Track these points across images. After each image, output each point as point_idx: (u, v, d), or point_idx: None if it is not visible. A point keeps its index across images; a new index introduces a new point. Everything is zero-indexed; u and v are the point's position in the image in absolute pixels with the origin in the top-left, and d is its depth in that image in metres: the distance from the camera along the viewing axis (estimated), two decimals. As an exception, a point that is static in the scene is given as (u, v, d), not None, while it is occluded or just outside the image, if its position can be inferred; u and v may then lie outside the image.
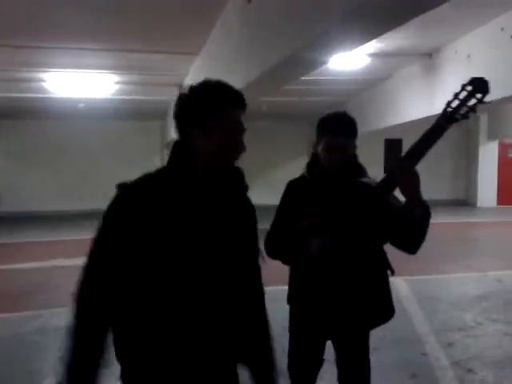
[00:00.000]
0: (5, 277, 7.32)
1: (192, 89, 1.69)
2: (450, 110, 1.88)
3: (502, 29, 6.19)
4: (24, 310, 5.60)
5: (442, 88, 7.90)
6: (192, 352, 1.62)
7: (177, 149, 1.69)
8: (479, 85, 1.87)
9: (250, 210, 1.79)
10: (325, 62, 4.31)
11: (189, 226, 1.58)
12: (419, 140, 1.92)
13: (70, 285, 6.41)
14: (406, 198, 2.01)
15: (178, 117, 1.69)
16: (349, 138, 2.24)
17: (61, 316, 5.27)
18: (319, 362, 2.48)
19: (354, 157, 2.32)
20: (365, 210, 2.02)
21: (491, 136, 15.54)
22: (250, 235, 1.76)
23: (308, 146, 14.43)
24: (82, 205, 14.72)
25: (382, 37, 4.58)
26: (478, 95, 1.86)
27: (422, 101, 8.65)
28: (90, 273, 1.67)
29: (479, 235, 11.29)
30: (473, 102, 1.86)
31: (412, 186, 1.97)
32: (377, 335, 4.56)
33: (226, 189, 1.69)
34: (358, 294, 2.26)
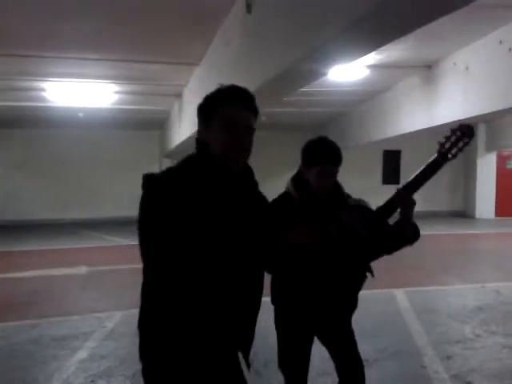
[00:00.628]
0: (2, 285, 7.29)
1: None
2: (443, 150, 2.19)
3: (501, 42, 6.24)
4: (21, 319, 5.57)
5: (441, 100, 7.95)
6: (230, 321, 1.73)
7: (197, 143, 1.84)
8: (466, 130, 2.18)
9: (264, 200, 1.97)
10: (324, 74, 4.33)
11: (220, 210, 1.67)
12: (418, 174, 2.22)
13: (67, 294, 6.43)
14: (401, 218, 2.33)
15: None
16: (339, 165, 2.44)
17: (58, 326, 5.27)
18: (308, 355, 2.63)
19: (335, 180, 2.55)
20: (365, 229, 2.26)
21: (489, 148, 15.59)
22: (265, 221, 1.89)
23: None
24: (82, 213, 14.74)
25: (381, 49, 4.62)
26: (466, 139, 2.18)
27: (420, 112, 8.70)
28: (161, 258, 1.66)
29: (478, 247, 11.28)
30: (461, 144, 2.18)
31: (408, 210, 2.30)
32: (377, 347, 4.57)
33: (244, 181, 1.83)
34: (340, 292, 2.48)
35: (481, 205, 15.76)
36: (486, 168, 15.78)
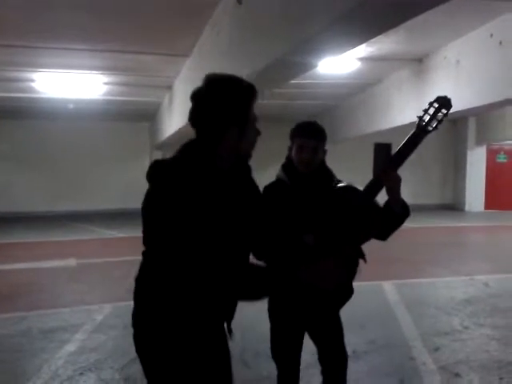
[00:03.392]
0: (-10, 278, 7.25)
1: None
2: (422, 123, 2.21)
3: (491, 35, 6.24)
4: (10, 311, 5.53)
5: (432, 93, 7.93)
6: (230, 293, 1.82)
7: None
8: (444, 102, 2.23)
9: (256, 186, 2.04)
10: (314, 66, 4.32)
11: (232, 199, 1.77)
12: (400, 148, 2.24)
13: (57, 286, 6.41)
14: (389, 196, 2.34)
15: None
16: (319, 141, 2.53)
17: (47, 318, 5.25)
18: (300, 345, 2.70)
19: (323, 161, 2.61)
20: (356, 211, 2.28)
21: (479, 141, 15.68)
22: (257, 206, 2.00)
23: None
24: (72, 206, 14.66)
25: (371, 41, 4.62)
26: (444, 110, 2.22)
27: (411, 105, 8.70)
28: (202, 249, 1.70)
29: (467, 239, 11.37)
30: (440, 116, 2.21)
31: (395, 186, 2.29)
32: (365, 339, 4.59)
33: (241, 170, 1.92)
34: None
35: (470, 198, 15.86)
36: (476, 161, 15.88)
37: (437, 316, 5.32)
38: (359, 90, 10.76)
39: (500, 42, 6.10)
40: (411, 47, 7.39)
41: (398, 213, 2.35)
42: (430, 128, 2.21)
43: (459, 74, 7.11)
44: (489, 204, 15.86)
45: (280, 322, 2.66)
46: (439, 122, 2.22)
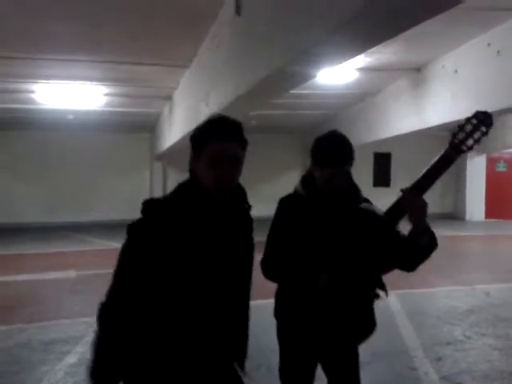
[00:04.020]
0: (-10, 290, 7.22)
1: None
2: (456, 141, 1.94)
3: (489, 44, 6.27)
4: (10, 323, 5.51)
5: (430, 103, 7.99)
6: (205, 353, 1.80)
7: (190, 172, 1.88)
8: (483, 118, 1.92)
9: (250, 225, 1.99)
10: (313, 76, 4.33)
11: (208, 243, 1.77)
12: (427, 170, 1.99)
13: (57, 298, 6.38)
14: (412, 225, 2.05)
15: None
16: (350, 164, 2.24)
17: (47, 330, 5.22)
18: (312, 376, 2.44)
19: (350, 179, 2.34)
20: (373, 238, 2.06)
21: (479, 150, 15.68)
22: (249, 248, 1.98)
23: (301, 158, 14.46)
24: (71, 217, 14.64)
25: (370, 51, 4.64)
26: (483, 128, 1.92)
27: (410, 115, 8.74)
28: (120, 284, 1.77)
29: (468, 249, 11.34)
30: (477, 134, 1.93)
31: (420, 214, 2.01)
32: (366, 349, 4.55)
33: (232, 206, 1.88)
34: (348, 312, 2.25)
35: (471, 207, 15.85)
36: (476, 170, 15.88)
37: (438, 326, 5.30)
38: (358, 99, 10.79)
39: (498, 52, 6.12)
40: (409, 57, 7.43)
41: (422, 245, 2.05)
42: (465, 148, 1.94)
43: (457, 83, 7.14)
44: (489, 213, 15.85)
45: (292, 349, 2.39)
46: (476, 141, 1.93)
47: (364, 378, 3.96)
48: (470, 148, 1.93)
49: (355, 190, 2.34)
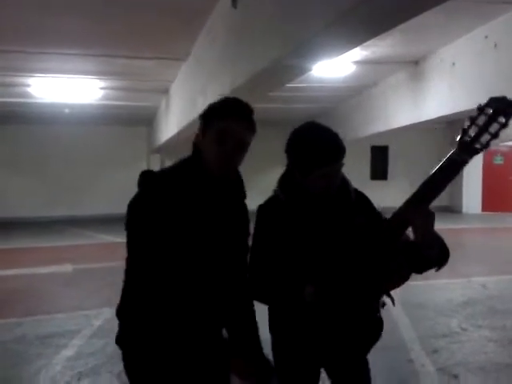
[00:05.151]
0: (-13, 284, 7.22)
1: None
2: (467, 139, 1.57)
3: (486, 37, 6.26)
4: (5, 317, 5.51)
5: (428, 96, 7.98)
6: (195, 318, 1.85)
7: (193, 147, 1.90)
8: (501, 106, 1.52)
9: (245, 212, 2.03)
10: (310, 69, 4.32)
11: (202, 215, 1.80)
12: (432, 176, 1.65)
13: (54, 292, 6.37)
14: (416, 236, 1.74)
15: None
16: (342, 159, 1.91)
17: (44, 324, 5.22)
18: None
19: (343, 178, 2.05)
20: (370, 245, 1.76)
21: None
22: (243, 231, 2.02)
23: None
24: (68, 211, 14.61)
25: (367, 44, 4.62)
26: (501, 119, 1.53)
27: (407, 108, 8.73)
28: (143, 255, 1.81)
29: (464, 241, 11.37)
30: (494, 127, 1.54)
31: (426, 225, 1.71)
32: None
33: (229, 190, 1.92)
34: (347, 323, 1.99)
35: (467, 200, 15.88)
36: (473, 163, 15.62)
37: (435, 318, 5.32)
38: (355, 92, 10.77)
39: (495, 45, 6.11)
40: (407, 50, 7.40)
41: (430, 257, 1.79)
42: (479, 146, 1.57)
43: (455, 76, 7.13)
44: (486, 206, 15.89)
45: (289, 367, 2.11)
46: (493, 136, 1.55)
47: (361, 370, 3.96)
48: (486, 146, 1.57)
49: (345, 184, 2.03)
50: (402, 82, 8.88)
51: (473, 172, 15.85)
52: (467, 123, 1.57)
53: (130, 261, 1.86)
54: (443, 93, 7.45)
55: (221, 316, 1.97)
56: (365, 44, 3.61)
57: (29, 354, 4.40)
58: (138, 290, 1.83)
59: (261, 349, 2.05)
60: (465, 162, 1.59)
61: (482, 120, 1.54)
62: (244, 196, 2.00)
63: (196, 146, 1.87)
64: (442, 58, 7.45)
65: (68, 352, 4.43)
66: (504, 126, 1.54)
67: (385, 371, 4.03)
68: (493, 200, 15.93)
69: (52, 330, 5.01)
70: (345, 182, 2.03)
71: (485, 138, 1.55)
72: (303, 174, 1.91)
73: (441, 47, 7.40)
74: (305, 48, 3.37)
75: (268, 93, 5.72)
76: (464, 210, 15.85)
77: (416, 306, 5.70)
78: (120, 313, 1.88)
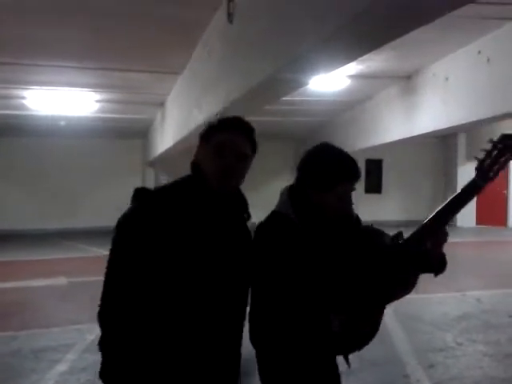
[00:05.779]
0: (-20, 297, 7.16)
1: None
2: (483, 168, 1.84)
3: (479, 52, 6.33)
4: (1, 330, 5.47)
5: (421, 110, 8.04)
6: (195, 356, 1.71)
7: (191, 166, 1.85)
8: (509, 143, 1.81)
9: (248, 235, 1.90)
10: (305, 83, 4.35)
11: (200, 238, 1.69)
12: (453, 199, 1.91)
13: (47, 305, 6.31)
14: (432, 251, 1.97)
15: None
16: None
17: (37, 338, 5.18)
18: None
19: None
20: (382, 261, 1.86)
21: (470, 157, 15.78)
22: (245, 257, 1.85)
23: (294, 166, 14.47)
24: (62, 224, 14.55)
25: (361, 59, 4.67)
26: (508, 154, 1.82)
27: (401, 122, 8.79)
28: (114, 282, 1.72)
29: (459, 255, 11.36)
30: (502, 160, 1.82)
31: (441, 243, 1.96)
32: (359, 355, 4.54)
33: (231, 211, 1.83)
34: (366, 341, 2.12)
35: (462, 213, 15.69)
36: (467, 177, 15.71)
37: (430, 332, 5.31)
38: (349, 106, 10.84)
39: (488, 59, 6.18)
40: (400, 64, 7.47)
41: (434, 267, 2.03)
42: (492, 174, 1.83)
43: (448, 90, 7.19)
44: (480, 219, 15.93)
45: None
46: (501, 166, 1.82)
47: (356, 384, 3.95)
48: (496, 174, 1.83)
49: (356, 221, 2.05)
50: (395, 96, 8.96)
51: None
52: (483, 155, 1.85)
53: (106, 280, 1.73)
54: (436, 107, 7.51)
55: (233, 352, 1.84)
56: (360, 58, 3.65)
57: (23, 368, 4.36)
58: (117, 318, 1.69)
59: None
60: (482, 188, 1.85)
61: (494, 153, 1.82)
62: (248, 217, 1.90)
63: (195, 165, 1.81)
64: (435, 72, 7.52)
65: (61, 367, 4.39)
66: (510, 159, 1.82)
67: (380, 386, 4.02)
68: (487, 213, 15.98)
69: (46, 344, 4.97)
70: None
71: (496, 167, 1.82)
72: (325, 189, 1.86)
73: (434, 62, 7.47)
74: (300, 62, 3.40)
75: (263, 106, 5.76)
76: (459, 223, 15.88)
77: (411, 320, 5.69)
78: (101, 344, 1.74)
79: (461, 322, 5.61)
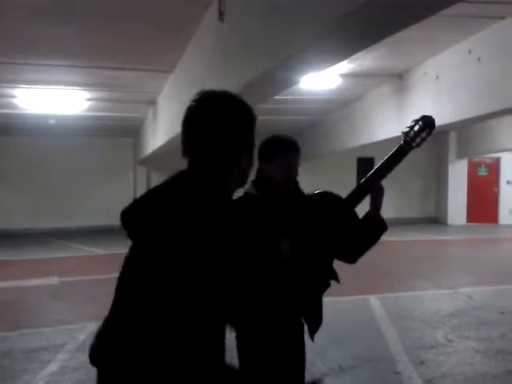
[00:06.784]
0: (-30, 297, 7.11)
1: None
2: (407, 138, 2.24)
3: (470, 51, 6.36)
4: (-10, 331, 5.43)
5: (412, 108, 8.06)
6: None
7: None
8: (428, 122, 2.25)
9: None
10: (297, 82, 4.35)
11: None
12: (385, 161, 2.24)
13: (39, 305, 6.27)
14: (372, 206, 2.32)
15: None
16: (300, 155, 2.41)
17: (28, 338, 5.15)
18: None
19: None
20: (338, 216, 2.17)
21: (460, 155, 15.88)
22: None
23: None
24: (54, 223, 14.48)
25: (353, 58, 4.68)
26: (427, 129, 2.24)
27: (392, 120, 8.81)
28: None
29: (450, 252, 11.46)
30: (424, 134, 2.24)
31: (380, 196, 2.28)
32: (351, 353, 4.58)
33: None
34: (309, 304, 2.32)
35: (452, 211, 16.02)
36: (458, 175, 16.07)
37: (422, 329, 5.34)
38: (341, 105, 10.86)
39: (478, 58, 6.21)
40: (391, 63, 7.50)
41: (377, 223, 2.33)
42: (414, 144, 2.24)
43: (439, 89, 7.23)
44: (471, 217, 16.03)
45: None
46: (422, 139, 2.25)
47: (347, 382, 3.99)
48: (418, 145, 2.25)
49: (301, 190, 2.43)
50: (386, 94, 8.98)
51: (457, 183, 16.01)
52: (407, 129, 2.25)
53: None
54: (427, 105, 7.53)
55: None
56: (351, 57, 3.65)
57: (14, 369, 4.33)
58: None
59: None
60: (406, 153, 2.22)
61: (416, 128, 2.24)
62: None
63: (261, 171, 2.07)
64: (426, 71, 7.55)
65: (53, 367, 4.36)
66: (428, 134, 2.24)
67: (372, 383, 4.03)
68: (477, 211, 16.09)
69: (38, 344, 4.94)
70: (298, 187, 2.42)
71: (418, 140, 2.23)
72: (268, 160, 2.33)
73: (425, 61, 7.50)
74: (292, 61, 3.40)
75: (255, 105, 5.74)
76: (449, 221, 15.97)
77: (403, 318, 5.71)
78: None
79: (452, 319, 5.64)
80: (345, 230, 2.16)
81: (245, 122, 1.58)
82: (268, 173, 2.34)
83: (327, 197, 2.24)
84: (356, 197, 2.21)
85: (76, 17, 5.23)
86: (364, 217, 2.29)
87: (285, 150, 2.36)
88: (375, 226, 2.33)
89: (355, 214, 2.23)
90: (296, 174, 2.38)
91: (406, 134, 2.24)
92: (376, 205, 2.30)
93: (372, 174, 2.24)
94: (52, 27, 5.49)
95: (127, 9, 5.03)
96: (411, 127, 2.25)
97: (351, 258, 2.38)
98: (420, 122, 2.25)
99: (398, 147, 2.24)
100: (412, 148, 2.23)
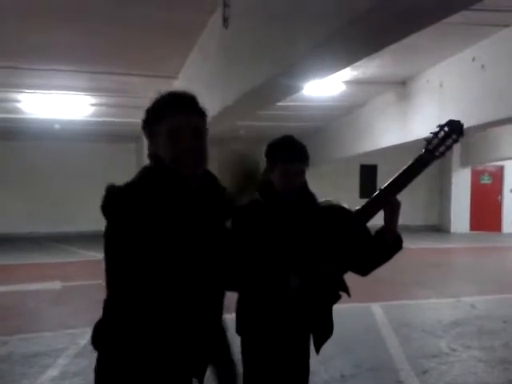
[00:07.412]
0: (-29, 301, 7.10)
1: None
2: (430, 147, 2.02)
3: (474, 58, 6.36)
4: (-9, 336, 5.42)
5: (415, 116, 8.07)
6: (187, 339, 1.72)
7: (150, 158, 1.83)
8: (455, 127, 2.03)
9: (228, 206, 1.88)
10: (300, 88, 4.36)
11: (185, 220, 1.65)
12: (402, 172, 2.05)
13: (40, 310, 6.27)
14: (385, 223, 2.11)
15: None
16: (305, 163, 2.27)
17: (29, 343, 5.13)
18: None
19: (305, 183, 2.33)
20: (342, 233, 2.06)
21: (464, 163, 15.85)
22: (225, 231, 1.87)
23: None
24: (57, 227, 14.49)
25: (356, 65, 4.68)
26: (454, 136, 2.03)
27: (395, 128, 8.81)
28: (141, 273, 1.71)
29: (453, 261, 11.41)
30: (449, 141, 2.03)
31: (394, 212, 2.08)
32: (353, 362, 4.55)
33: (206, 190, 1.78)
34: (314, 314, 2.21)
35: (456, 219, 15.97)
36: (461, 183, 16.04)
37: (424, 338, 5.30)
38: (345, 112, 10.86)
39: (482, 66, 6.21)
40: (395, 70, 7.50)
41: (389, 243, 2.12)
42: (438, 153, 2.03)
43: (442, 96, 7.22)
44: (474, 225, 15.98)
45: (259, 368, 2.26)
46: (447, 147, 2.03)
47: (350, 391, 3.93)
48: (442, 154, 2.03)
49: (307, 189, 2.32)
50: (390, 102, 8.98)
51: (461, 192, 15.97)
52: (430, 136, 2.04)
53: (111, 278, 1.80)
54: (430, 113, 7.53)
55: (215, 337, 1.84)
56: (354, 64, 3.66)
57: (14, 374, 4.31)
58: (120, 313, 1.75)
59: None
60: (429, 163, 2.02)
61: (441, 135, 2.02)
62: (223, 190, 1.84)
63: (153, 155, 1.78)
64: (429, 78, 7.55)
65: (53, 372, 4.34)
66: (455, 141, 2.03)
67: (374, 392, 4.00)
68: (481, 219, 16.04)
69: (38, 349, 4.92)
70: (309, 192, 2.33)
71: (442, 148, 2.02)
72: (271, 168, 2.27)
73: (428, 68, 7.50)
74: (295, 68, 3.41)
75: (258, 111, 5.76)
76: (452, 229, 15.92)
77: (405, 326, 5.68)
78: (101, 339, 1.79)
79: (455, 328, 5.60)
80: (353, 246, 2.06)
81: (147, 120, 1.86)
82: (272, 179, 2.29)
83: (337, 211, 2.14)
84: (367, 213, 2.05)
85: (81, 23, 5.25)
86: (376, 233, 2.13)
87: (284, 159, 2.24)
88: (387, 245, 2.13)
89: (366, 230, 2.12)
90: (299, 181, 2.25)
91: (428, 141, 2.03)
92: (390, 222, 2.09)
93: (386, 187, 2.05)
94: (57, 33, 5.51)
95: (132, 15, 5.04)
96: (436, 133, 2.03)
97: (362, 271, 2.27)
98: (446, 128, 2.03)
99: (418, 157, 2.03)
100: (435, 158, 2.02)
